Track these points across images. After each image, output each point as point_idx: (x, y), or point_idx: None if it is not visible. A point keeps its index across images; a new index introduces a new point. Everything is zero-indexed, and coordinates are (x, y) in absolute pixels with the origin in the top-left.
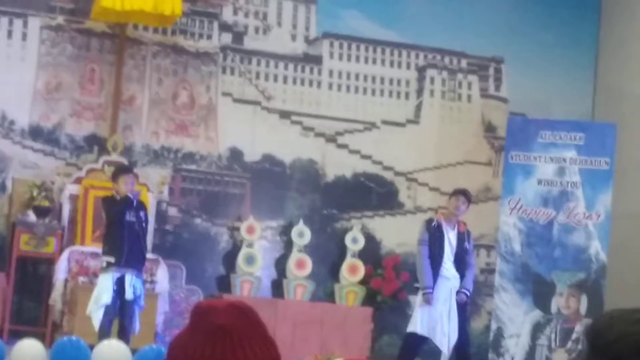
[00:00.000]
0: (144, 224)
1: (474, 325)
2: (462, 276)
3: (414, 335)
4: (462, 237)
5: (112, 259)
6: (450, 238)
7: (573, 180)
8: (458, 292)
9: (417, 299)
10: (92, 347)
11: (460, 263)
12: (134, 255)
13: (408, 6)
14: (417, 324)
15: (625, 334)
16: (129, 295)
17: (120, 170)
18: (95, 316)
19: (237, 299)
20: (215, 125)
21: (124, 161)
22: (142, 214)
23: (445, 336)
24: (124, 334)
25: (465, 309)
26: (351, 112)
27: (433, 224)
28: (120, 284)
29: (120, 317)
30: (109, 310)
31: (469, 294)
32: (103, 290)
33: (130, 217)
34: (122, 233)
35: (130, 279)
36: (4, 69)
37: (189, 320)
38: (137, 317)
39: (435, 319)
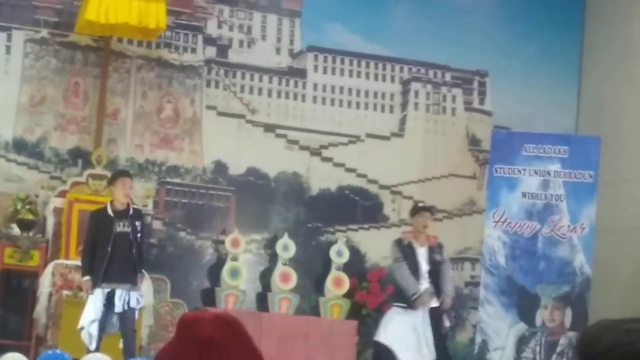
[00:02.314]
0: (139, 234)
1: (458, 338)
2: (439, 289)
3: (382, 347)
4: (432, 251)
5: (89, 279)
6: (422, 255)
7: (557, 193)
8: (442, 299)
9: (391, 312)
10: None
11: (434, 276)
12: (124, 267)
13: (392, 20)
14: (387, 335)
15: (616, 344)
16: (118, 308)
17: (119, 174)
18: (84, 331)
19: (223, 311)
20: (199, 138)
21: (108, 175)
22: (137, 223)
23: (418, 351)
24: (127, 349)
25: (442, 321)
26: (336, 125)
27: (404, 243)
28: (110, 298)
29: (121, 330)
30: (100, 326)
31: (452, 296)
32: (92, 306)
33: (122, 227)
34: (105, 249)
35: (120, 293)
36: None
37: (176, 331)
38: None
39: (408, 332)
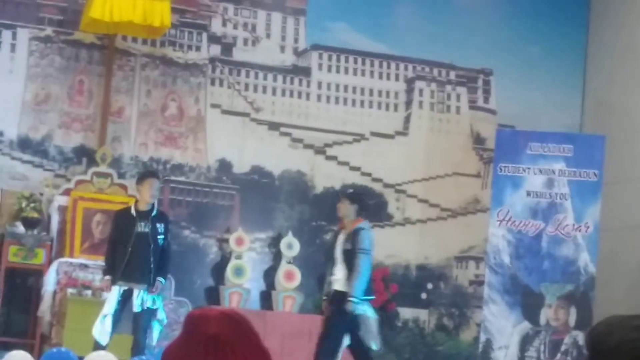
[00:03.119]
0: (160, 236)
1: (462, 337)
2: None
3: None
4: (347, 238)
5: (109, 277)
6: (339, 243)
7: (562, 192)
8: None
9: None
10: (81, 358)
11: (349, 265)
12: (142, 267)
13: (397, 18)
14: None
15: (625, 340)
16: (136, 308)
17: (147, 174)
18: (96, 325)
19: (230, 308)
20: (204, 136)
21: (113, 173)
22: (159, 225)
23: None
24: (136, 348)
25: (347, 314)
26: (340, 123)
27: (334, 234)
28: (127, 296)
29: (132, 331)
30: (114, 323)
31: (353, 299)
32: (108, 302)
33: (143, 228)
34: (126, 249)
35: (138, 292)
36: None
37: (182, 329)
38: (152, 331)
39: None
